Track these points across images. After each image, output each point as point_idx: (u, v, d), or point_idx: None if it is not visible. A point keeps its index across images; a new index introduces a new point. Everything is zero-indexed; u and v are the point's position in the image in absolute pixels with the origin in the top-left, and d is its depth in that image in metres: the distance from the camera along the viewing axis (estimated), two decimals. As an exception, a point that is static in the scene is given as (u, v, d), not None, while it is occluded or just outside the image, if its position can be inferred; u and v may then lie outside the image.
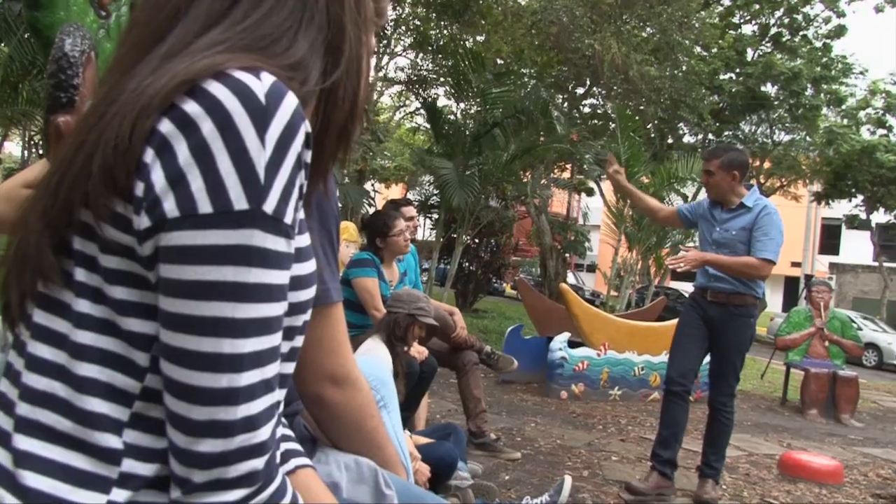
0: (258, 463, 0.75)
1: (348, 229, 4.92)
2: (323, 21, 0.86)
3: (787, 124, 22.23)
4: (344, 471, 1.25)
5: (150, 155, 0.73)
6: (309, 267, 0.89)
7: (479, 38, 17.70)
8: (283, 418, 1.28)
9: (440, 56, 15.34)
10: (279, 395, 0.81)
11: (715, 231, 4.17)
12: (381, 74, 22.81)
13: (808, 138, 22.33)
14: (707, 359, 4.35)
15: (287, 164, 0.75)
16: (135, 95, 0.75)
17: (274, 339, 0.77)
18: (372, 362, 2.18)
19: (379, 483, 1.24)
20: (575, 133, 19.26)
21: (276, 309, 0.76)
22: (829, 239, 35.02)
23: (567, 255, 21.88)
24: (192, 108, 0.72)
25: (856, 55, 26.68)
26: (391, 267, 4.36)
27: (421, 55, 18.87)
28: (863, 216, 24.89)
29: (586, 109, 21.60)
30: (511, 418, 5.89)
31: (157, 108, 0.73)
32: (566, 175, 23.66)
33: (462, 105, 14.23)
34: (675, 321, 8.28)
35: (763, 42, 22.17)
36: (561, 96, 20.02)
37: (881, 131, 22.61)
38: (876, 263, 26.25)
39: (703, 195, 4.77)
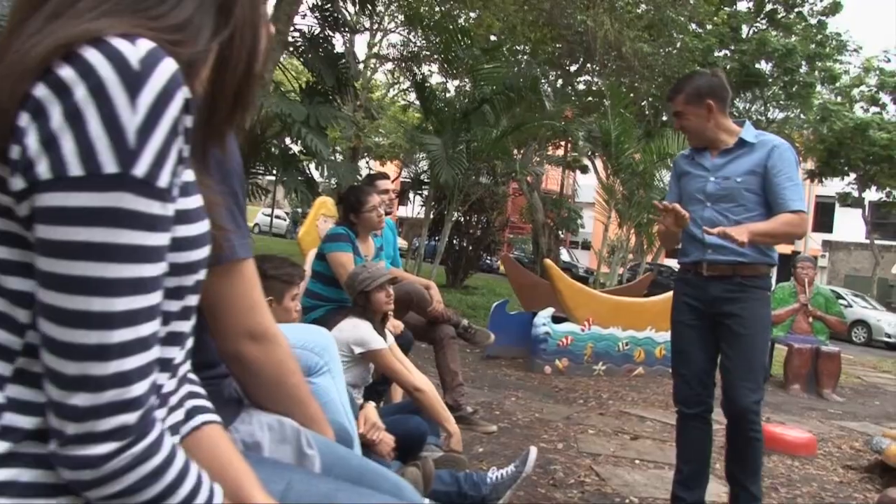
0: (130, 418, 0.78)
1: (326, 204, 4.94)
2: None
3: (781, 101, 22.24)
4: (267, 431, 1.27)
5: (25, 119, 0.75)
6: (199, 228, 0.91)
7: (471, 14, 17.60)
8: (211, 380, 1.31)
9: (431, 33, 15.27)
10: (160, 352, 0.83)
11: (709, 182, 3.18)
12: (374, 51, 22.74)
13: (802, 115, 22.37)
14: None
15: (161, 129, 0.77)
16: (14, 60, 0.77)
17: (150, 299, 0.79)
18: (312, 329, 2.20)
19: (301, 443, 1.26)
20: (570, 110, 19.24)
21: (150, 269, 0.78)
22: (823, 216, 35.04)
23: (560, 232, 21.90)
24: (66, 73, 0.74)
25: (850, 32, 26.68)
26: (366, 241, 4.37)
27: (412, 32, 18.79)
28: (855, 194, 24.94)
29: (581, 86, 21.55)
30: (492, 392, 5.93)
31: (33, 72, 0.75)
32: (560, 152, 23.65)
33: (457, 82, 14.19)
34: (662, 296, 8.39)
35: (758, 19, 22.10)
36: (554, 73, 19.96)
37: (874, 109, 22.65)
38: (868, 241, 26.32)
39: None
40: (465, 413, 4.62)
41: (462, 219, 13.44)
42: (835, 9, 21.54)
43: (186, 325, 0.94)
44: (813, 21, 21.82)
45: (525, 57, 17.72)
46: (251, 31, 0.93)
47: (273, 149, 10.54)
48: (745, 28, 21.80)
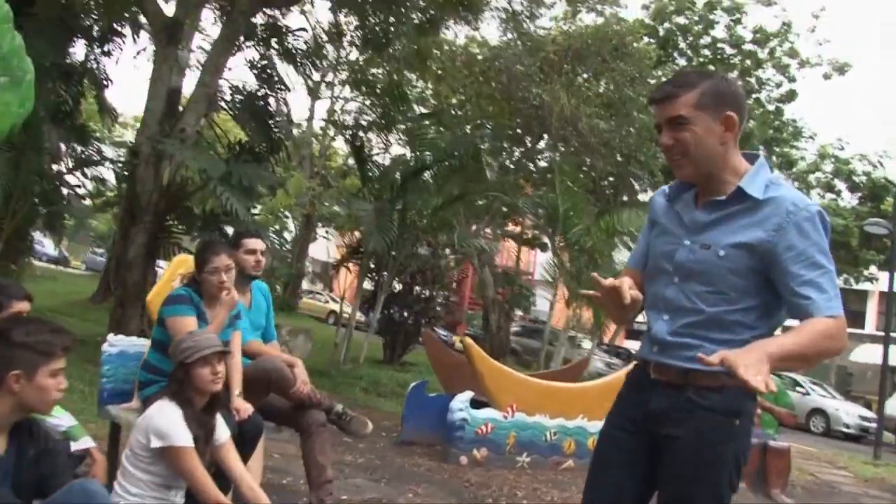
0: None
1: (186, 262, 4.25)
2: None
3: (740, 185, 22.26)
4: None
5: None
6: None
7: (428, 84, 17.42)
8: None
9: (378, 99, 14.99)
10: None
11: (681, 246, 2.10)
12: (332, 118, 22.48)
13: (760, 199, 22.40)
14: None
15: None
16: None
17: None
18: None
19: None
20: (530, 186, 18.89)
21: None
22: (783, 303, 34.90)
23: (513, 309, 21.28)
24: None
25: (805, 119, 27.20)
26: (217, 307, 3.67)
27: (365, 100, 18.52)
28: (813, 280, 24.83)
29: (543, 164, 21.32)
30: (389, 486, 5.16)
31: None
32: (518, 228, 23.27)
33: (406, 151, 13.74)
34: (596, 381, 7.73)
35: (718, 102, 22.28)
36: (511, 148, 19.73)
37: (830, 195, 22.73)
38: (827, 328, 26.08)
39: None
40: (330, 518, 3.88)
41: (402, 290, 12.75)
42: (791, 96, 21.90)
43: None
44: (770, 107, 22.10)
45: (488, 130, 17.48)
46: None
47: (194, 207, 9.94)
48: (704, 111, 21.99)
